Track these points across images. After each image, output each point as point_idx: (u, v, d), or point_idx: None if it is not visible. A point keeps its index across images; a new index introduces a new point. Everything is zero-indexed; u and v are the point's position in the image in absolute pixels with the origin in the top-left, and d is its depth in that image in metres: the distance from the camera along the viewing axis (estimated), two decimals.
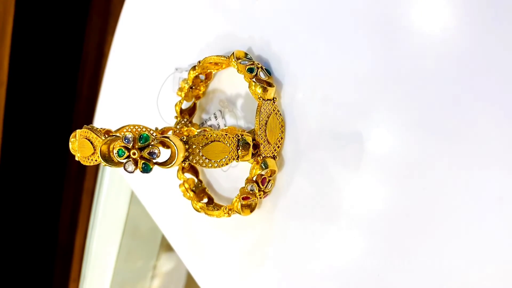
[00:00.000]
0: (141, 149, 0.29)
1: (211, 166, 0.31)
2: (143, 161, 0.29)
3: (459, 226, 0.25)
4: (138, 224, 0.91)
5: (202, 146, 0.31)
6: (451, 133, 0.25)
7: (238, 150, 0.33)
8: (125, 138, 0.29)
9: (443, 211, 0.26)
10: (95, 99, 1.04)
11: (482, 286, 0.24)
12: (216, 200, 0.42)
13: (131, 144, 0.29)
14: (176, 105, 0.43)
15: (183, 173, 0.43)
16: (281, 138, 0.35)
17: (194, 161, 0.31)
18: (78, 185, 1.13)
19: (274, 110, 0.35)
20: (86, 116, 1.09)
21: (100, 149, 0.30)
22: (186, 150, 0.31)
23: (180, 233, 0.49)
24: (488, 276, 0.24)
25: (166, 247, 0.96)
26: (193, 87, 0.43)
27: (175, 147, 0.29)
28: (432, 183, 0.26)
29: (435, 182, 0.26)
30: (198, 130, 0.42)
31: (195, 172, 0.44)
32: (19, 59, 1.00)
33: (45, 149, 1.13)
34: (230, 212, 0.37)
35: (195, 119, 0.44)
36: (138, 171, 0.29)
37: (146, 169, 0.29)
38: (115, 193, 0.87)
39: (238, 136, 0.33)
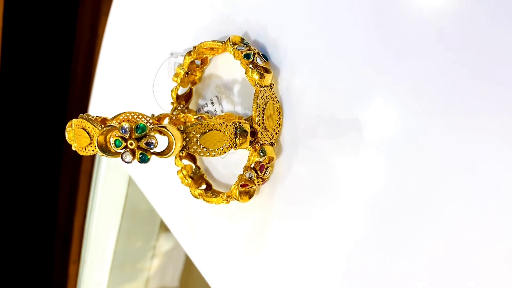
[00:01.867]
0: (138, 139, 0.29)
1: (209, 155, 0.31)
2: (140, 151, 0.29)
3: (458, 211, 0.25)
4: (137, 204, 0.92)
5: (199, 135, 0.31)
6: (451, 119, 0.25)
7: (236, 138, 0.32)
8: (122, 128, 0.29)
9: (442, 197, 0.26)
10: (90, 80, 1.03)
11: (481, 271, 0.25)
12: (214, 187, 0.42)
13: (128, 134, 0.29)
14: (172, 91, 0.42)
15: (180, 159, 0.43)
16: (279, 125, 0.35)
17: (192, 150, 0.31)
18: (75, 167, 1.13)
19: (271, 97, 0.34)
20: (81, 99, 1.08)
21: (97, 139, 0.29)
22: (184, 139, 0.30)
23: (179, 219, 0.49)
24: (487, 261, 0.24)
25: (165, 227, 0.97)
26: (189, 73, 0.42)
27: (173, 137, 0.29)
28: (431, 169, 0.26)
29: (434, 168, 0.26)
30: (195, 117, 0.42)
31: (192, 158, 0.44)
32: (11, 42, 0.98)
33: (41, 132, 1.12)
34: (228, 199, 0.37)
35: (192, 105, 0.44)
36: (135, 161, 0.29)
37: (143, 159, 0.29)
38: (113, 175, 0.87)
39: (236, 124, 0.32)
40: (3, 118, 1.05)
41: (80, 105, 1.08)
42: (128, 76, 0.59)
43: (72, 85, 1.10)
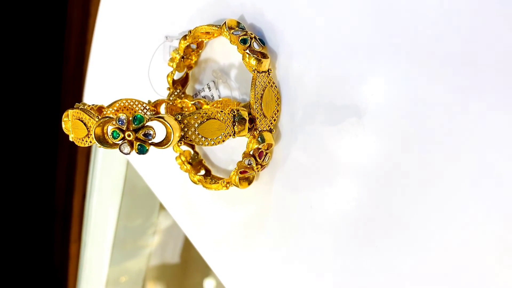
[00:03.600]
0: (135, 131, 0.28)
1: (207, 144, 0.31)
2: (138, 143, 0.28)
3: (460, 199, 0.25)
4: (136, 182, 0.92)
5: (197, 125, 0.30)
6: (451, 107, 0.25)
7: (234, 126, 0.32)
8: (119, 119, 0.28)
9: (442, 189, 0.26)
10: (83, 60, 1.01)
11: (477, 256, 0.25)
12: (213, 172, 0.42)
13: (125, 126, 0.28)
14: (168, 76, 0.42)
15: (179, 145, 0.42)
16: (277, 111, 0.35)
17: (190, 140, 0.31)
18: (72, 148, 1.12)
19: (269, 83, 0.34)
20: (74, 79, 1.07)
21: (94, 131, 0.29)
22: (182, 129, 0.30)
23: (180, 205, 0.49)
24: (482, 245, 0.25)
25: None
26: (185, 57, 0.41)
27: (171, 128, 0.29)
28: (432, 156, 0.26)
29: (435, 155, 0.26)
30: (192, 102, 0.41)
31: (191, 144, 0.43)
32: (1, 22, 0.97)
33: (36, 113, 1.11)
34: (228, 185, 0.37)
35: (188, 90, 0.43)
36: (134, 152, 0.29)
37: (142, 150, 0.29)
38: (111, 154, 0.87)
39: (234, 112, 0.32)
40: None
41: (73, 85, 1.07)
42: (122, 60, 0.58)
43: (65, 64, 1.09)
